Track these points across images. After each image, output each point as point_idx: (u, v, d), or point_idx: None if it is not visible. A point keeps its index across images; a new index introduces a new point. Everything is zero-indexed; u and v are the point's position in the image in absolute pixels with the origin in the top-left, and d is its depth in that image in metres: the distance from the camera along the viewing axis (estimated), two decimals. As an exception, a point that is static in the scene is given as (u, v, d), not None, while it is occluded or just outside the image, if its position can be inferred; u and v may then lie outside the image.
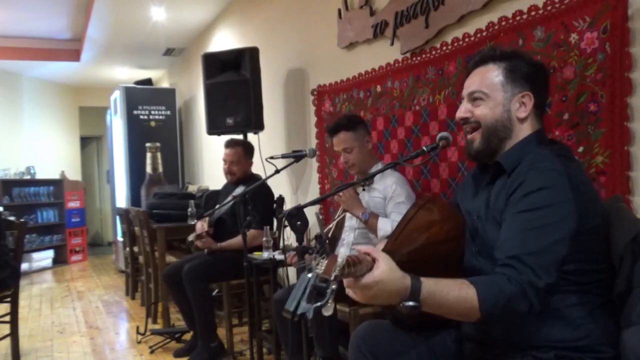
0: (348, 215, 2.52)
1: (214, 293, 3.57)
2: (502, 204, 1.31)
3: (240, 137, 3.77)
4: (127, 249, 5.26)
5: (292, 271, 3.32)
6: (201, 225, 3.29)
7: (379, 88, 2.87)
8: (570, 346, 1.23)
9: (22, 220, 3.75)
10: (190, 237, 3.21)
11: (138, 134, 6.36)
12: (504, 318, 1.17)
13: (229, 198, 3.28)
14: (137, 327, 3.82)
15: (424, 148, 1.73)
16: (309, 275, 0.91)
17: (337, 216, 2.60)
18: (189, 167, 6.98)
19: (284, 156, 2.59)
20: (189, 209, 3.52)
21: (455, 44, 2.33)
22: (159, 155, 5.98)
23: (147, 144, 5.99)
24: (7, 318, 3.24)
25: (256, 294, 3.01)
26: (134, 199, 6.12)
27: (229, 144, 3.41)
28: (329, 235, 2.58)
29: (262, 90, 3.79)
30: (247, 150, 3.45)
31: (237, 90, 3.70)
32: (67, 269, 7.42)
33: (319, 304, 0.88)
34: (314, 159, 3.49)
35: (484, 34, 2.17)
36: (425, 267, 1.20)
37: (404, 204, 2.35)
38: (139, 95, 6.52)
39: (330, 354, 2.25)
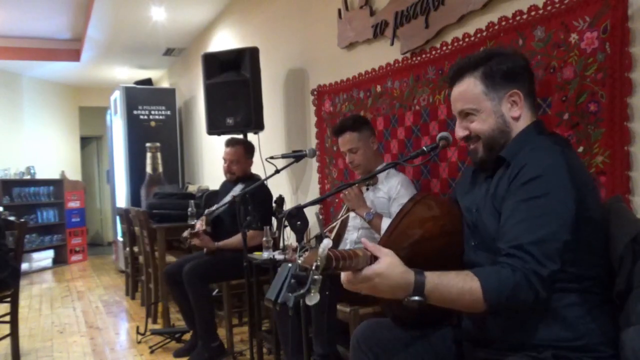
0: (352, 214, 2.53)
1: (214, 293, 3.57)
2: (502, 191, 1.31)
3: (240, 136, 3.77)
4: (127, 249, 5.26)
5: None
6: (200, 223, 3.29)
7: (379, 88, 2.87)
8: (568, 346, 1.22)
9: (22, 220, 3.76)
10: (185, 233, 3.21)
11: (138, 134, 6.36)
12: (509, 308, 1.17)
13: (230, 198, 3.28)
14: (137, 327, 3.82)
15: (424, 148, 1.73)
16: (290, 265, 0.91)
17: (341, 215, 2.60)
18: (189, 167, 6.98)
19: (284, 156, 2.60)
20: (189, 209, 3.52)
21: (455, 44, 2.33)
22: (159, 155, 5.99)
23: (147, 144, 5.99)
24: (7, 318, 3.24)
25: (256, 294, 3.01)
26: (134, 199, 6.12)
27: (230, 143, 3.41)
28: (334, 234, 2.58)
29: (262, 90, 3.79)
30: (247, 149, 3.45)
31: (237, 90, 3.70)
32: (67, 269, 7.42)
33: (299, 292, 0.89)
34: (314, 159, 3.49)
35: (484, 34, 2.17)
36: (421, 262, 1.21)
37: None
38: (139, 95, 6.52)
39: (329, 353, 2.25)
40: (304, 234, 1.75)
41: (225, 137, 3.60)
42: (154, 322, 4.18)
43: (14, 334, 3.27)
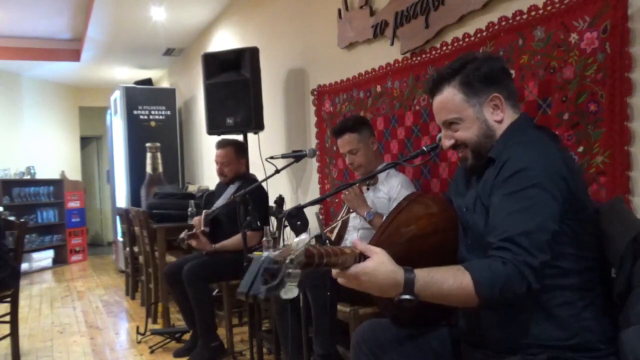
0: (352, 214, 2.53)
1: (214, 293, 3.57)
2: (488, 188, 1.31)
3: (239, 137, 3.76)
4: (127, 249, 5.26)
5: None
6: (198, 222, 3.28)
7: (379, 88, 2.87)
8: (562, 345, 1.23)
9: (22, 220, 3.76)
10: (182, 235, 3.20)
11: (138, 134, 6.36)
12: (503, 301, 1.17)
13: (227, 198, 3.28)
14: (137, 327, 3.82)
15: (424, 148, 1.74)
16: (262, 258, 0.91)
17: (341, 215, 2.60)
18: (189, 167, 6.98)
19: (284, 156, 2.59)
20: (189, 209, 3.52)
21: (455, 44, 2.33)
22: (159, 155, 5.99)
23: (147, 144, 5.99)
24: (7, 318, 3.24)
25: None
26: (134, 199, 6.12)
27: (220, 145, 3.40)
28: (334, 234, 2.58)
29: (262, 90, 3.79)
30: (238, 150, 3.42)
31: (237, 90, 3.70)
32: (67, 269, 7.42)
33: (271, 285, 0.88)
34: (314, 159, 3.49)
35: (484, 34, 2.17)
36: (416, 259, 1.21)
37: None
38: (139, 95, 6.52)
39: (329, 352, 2.25)
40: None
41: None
42: (154, 322, 4.18)
43: (14, 334, 3.27)
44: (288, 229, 1.73)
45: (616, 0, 1.64)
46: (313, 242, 1.67)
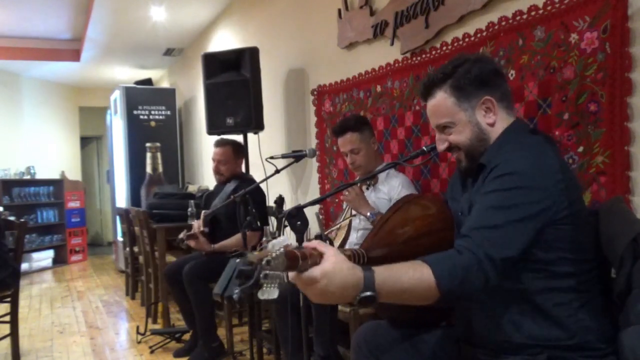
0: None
1: (214, 293, 3.57)
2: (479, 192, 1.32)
3: (239, 137, 3.77)
4: (127, 249, 5.26)
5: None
6: (197, 226, 3.29)
7: (379, 88, 2.87)
8: (561, 345, 1.23)
9: (22, 220, 3.75)
10: (181, 235, 3.20)
11: (138, 134, 6.36)
12: (462, 294, 1.14)
13: (229, 197, 3.28)
14: (137, 327, 3.82)
15: (424, 148, 1.74)
16: (237, 260, 0.91)
17: (343, 217, 2.60)
18: (189, 167, 6.98)
19: (284, 156, 2.59)
20: (189, 209, 3.51)
21: (455, 44, 2.33)
22: (159, 155, 5.98)
23: (147, 144, 5.99)
24: (7, 318, 3.24)
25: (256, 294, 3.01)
26: (134, 199, 6.12)
27: (218, 144, 3.41)
28: (341, 238, 2.57)
29: (262, 90, 3.79)
30: (236, 149, 3.43)
31: (237, 90, 3.70)
32: (67, 269, 7.42)
33: (245, 285, 0.88)
34: (314, 159, 3.49)
35: (484, 34, 2.17)
36: (410, 260, 1.20)
37: None
38: (139, 95, 6.52)
39: (330, 353, 2.25)
40: (304, 234, 1.75)
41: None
42: (154, 322, 4.18)
43: (14, 334, 3.27)
44: (288, 229, 1.73)
45: (616, 0, 1.64)
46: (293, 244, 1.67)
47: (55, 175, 8.05)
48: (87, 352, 3.60)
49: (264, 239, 2.90)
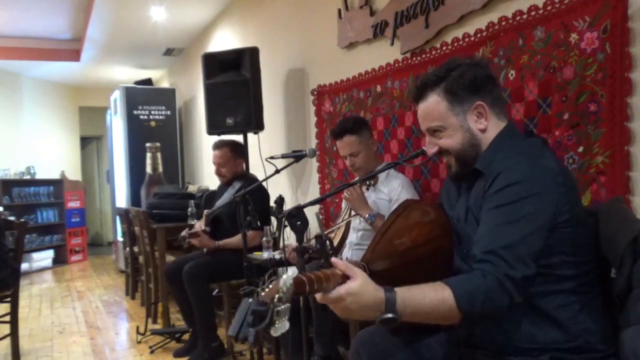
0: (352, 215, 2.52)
1: (214, 293, 3.57)
2: (479, 201, 1.31)
3: (239, 137, 3.76)
4: (127, 249, 5.26)
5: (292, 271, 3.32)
6: (199, 224, 3.29)
7: (379, 88, 2.87)
8: (563, 347, 1.23)
9: (22, 220, 3.75)
10: (183, 233, 3.20)
11: (138, 134, 6.37)
12: (485, 314, 1.16)
13: (228, 198, 3.28)
14: (137, 327, 3.82)
15: (424, 148, 1.73)
16: (250, 300, 0.93)
17: (342, 217, 2.59)
18: (189, 167, 6.98)
19: (284, 156, 2.59)
20: (189, 209, 3.51)
21: (455, 44, 2.33)
22: (159, 155, 5.99)
23: (147, 144, 6.00)
24: (7, 318, 3.24)
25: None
26: (134, 199, 6.12)
27: (216, 146, 3.40)
28: (338, 238, 2.57)
29: (262, 90, 3.79)
30: (234, 150, 3.42)
31: (237, 90, 3.70)
32: (67, 269, 7.42)
33: (259, 326, 0.90)
34: (314, 159, 3.49)
35: (484, 34, 2.17)
36: (410, 270, 1.20)
37: None
38: (139, 95, 6.52)
39: (330, 353, 2.25)
40: (304, 234, 1.75)
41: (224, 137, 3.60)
42: (154, 322, 4.18)
43: (14, 334, 3.27)
44: (288, 229, 1.73)
45: (616, 0, 1.64)
46: (314, 242, 1.67)
47: (55, 175, 8.05)
48: (87, 352, 3.60)
49: (264, 238, 2.92)
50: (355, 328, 2.11)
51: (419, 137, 2.60)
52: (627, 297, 1.22)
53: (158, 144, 6.02)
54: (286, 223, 1.69)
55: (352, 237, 2.53)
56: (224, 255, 3.19)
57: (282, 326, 0.93)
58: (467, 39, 2.26)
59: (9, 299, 3.24)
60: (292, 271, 0.99)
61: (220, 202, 3.39)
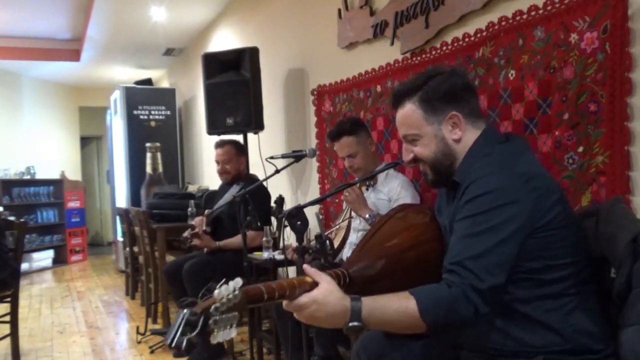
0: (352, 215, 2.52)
1: (214, 292, 3.57)
2: (455, 212, 1.32)
3: (239, 137, 3.77)
4: (127, 249, 5.26)
5: (292, 271, 3.32)
6: (200, 222, 3.28)
7: (379, 88, 2.87)
8: (557, 350, 1.22)
9: (22, 220, 3.75)
10: (185, 234, 3.20)
11: (138, 134, 6.37)
12: (449, 324, 1.17)
13: (230, 197, 3.28)
14: (137, 327, 3.82)
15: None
16: (185, 311, 1.00)
17: (343, 218, 2.59)
18: (189, 167, 6.98)
19: (284, 156, 2.59)
20: (189, 209, 3.52)
21: (455, 44, 2.33)
22: (159, 155, 5.99)
23: (147, 144, 6.00)
24: (7, 318, 3.24)
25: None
26: (134, 199, 6.13)
27: (219, 144, 3.42)
28: (339, 239, 2.56)
29: (262, 90, 3.79)
30: (237, 148, 3.44)
31: (237, 90, 3.70)
32: (67, 269, 7.42)
33: (190, 335, 0.98)
34: (314, 159, 3.49)
35: (484, 34, 2.17)
36: (399, 272, 1.21)
37: None
38: (139, 95, 6.52)
39: (330, 353, 2.25)
40: (304, 234, 1.75)
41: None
42: (154, 322, 4.18)
43: (14, 334, 3.27)
44: (288, 229, 1.73)
45: (616, 0, 1.64)
46: (314, 242, 1.67)
47: (55, 175, 8.05)
48: (87, 352, 3.60)
49: (263, 239, 2.92)
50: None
51: (419, 137, 2.60)
52: (627, 297, 1.21)
53: (158, 144, 6.02)
54: (286, 223, 1.69)
55: (352, 237, 2.53)
56: (224, 255, 3.19)
57: (225, 334, 1.01)
58: (467, 39, 2.26)
59: (9, 299, 3.24)
60: (235, 282, 1.04)
61: (221, 202, 3.39)
